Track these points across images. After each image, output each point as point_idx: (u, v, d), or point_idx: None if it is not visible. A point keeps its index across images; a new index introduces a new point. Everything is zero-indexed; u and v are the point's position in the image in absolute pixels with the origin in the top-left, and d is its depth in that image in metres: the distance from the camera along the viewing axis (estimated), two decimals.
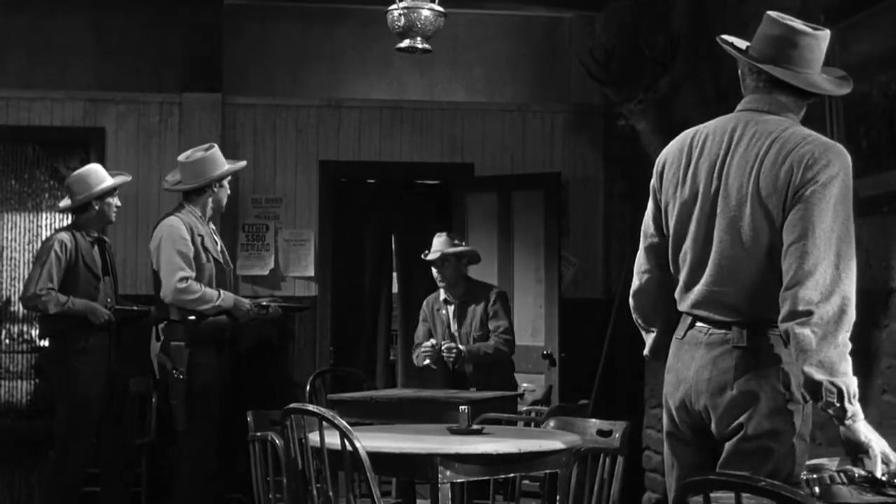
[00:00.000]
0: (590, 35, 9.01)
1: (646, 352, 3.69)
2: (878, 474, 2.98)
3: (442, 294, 7.46)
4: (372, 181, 9.62)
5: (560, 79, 9.32)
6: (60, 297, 6.69)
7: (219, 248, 6.78)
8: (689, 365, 3.36)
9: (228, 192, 6.84)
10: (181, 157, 6.80)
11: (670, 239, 3.46)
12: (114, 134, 8.42)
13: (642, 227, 3.59)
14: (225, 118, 8.49)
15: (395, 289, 10.09)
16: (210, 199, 6.71)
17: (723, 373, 3.28)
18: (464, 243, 7.56)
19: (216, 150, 6.77)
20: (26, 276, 7.10)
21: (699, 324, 3.37)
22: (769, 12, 3.45)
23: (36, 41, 8.59)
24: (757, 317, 3.27)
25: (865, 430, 3.07)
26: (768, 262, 3.23)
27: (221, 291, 6.64)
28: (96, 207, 6.86)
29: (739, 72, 3.48)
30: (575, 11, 9.13)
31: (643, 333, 3.70)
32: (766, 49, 3.36)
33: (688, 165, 3.39)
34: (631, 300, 3.67)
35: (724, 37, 3.50)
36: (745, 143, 3.28)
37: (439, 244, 7.32)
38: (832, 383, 3.02)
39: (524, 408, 7.07)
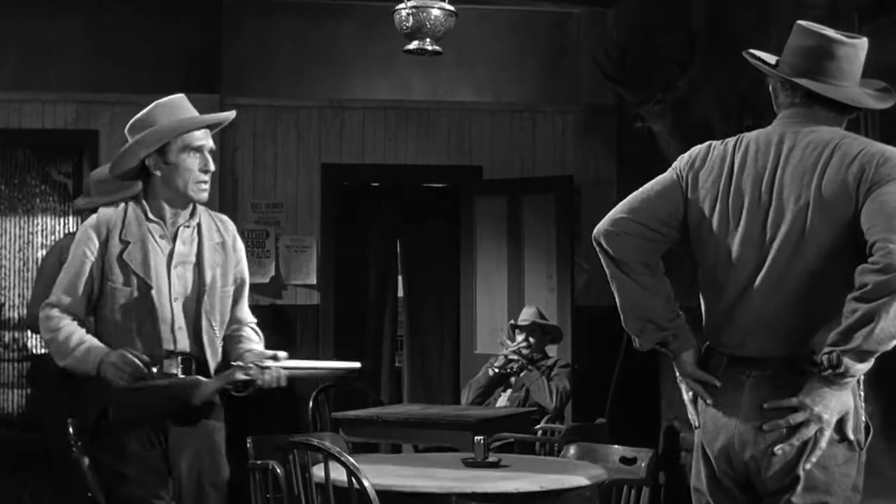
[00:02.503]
0: (600, 32, 8.83)
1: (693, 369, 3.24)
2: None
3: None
4: (376, 185, 9.38)
5: (568, 77, 9.17)
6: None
7: (173, 261, 4.01)
8: (732, 410, 3.06)
9: (198, 166, 3.97)
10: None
11: (701, 261, 3.19)
12: (108, 137, 8.14)
13: (643, 216, 3.19)
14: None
15: (399, 293, 9.85)
16: (156, 185, 4.00)
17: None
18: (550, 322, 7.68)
19: (160, 104, 4.04)
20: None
21: (739, 363, 3.08)
22: (800, 22, 3.22)
23: (28, 41, 8.39)
24: (809, 351, 2.99)
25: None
26: (829, 278, 2.98)
27: (87, 341, 3.96)
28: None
29: (771, 88, 3.25)
30: (584, 7, 8.96)
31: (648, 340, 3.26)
32: (800, 62, 3.14)
33: (729, 177, 3.13)
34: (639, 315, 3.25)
35: (752, 51, 3.27)
36: (798, 154, 3.05)
37: (530, 314, 7.41)
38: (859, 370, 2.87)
39: (539, 425, 6.82)
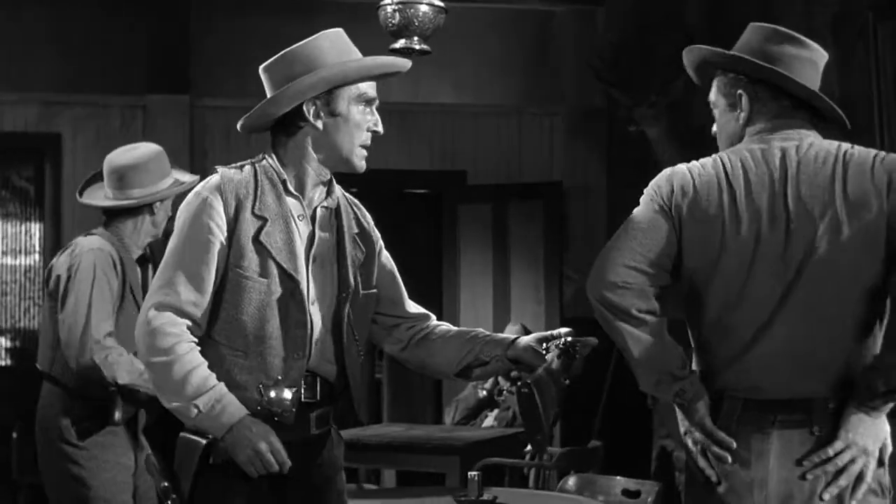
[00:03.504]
0: (586, 30, 8.62)
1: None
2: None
3: None
4: (354, 190, 8.80)
5: (554, 78, 8.99)
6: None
7: (313, 249, 3.11)
8: (760, 464, 2.72)
9: (370, 124, 3.10)
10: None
11: (706, 302, 2.81)
12: (71, 140, 7.99)
13: (641, 261, 2.81)
14: (193, 122, 8.07)
15: None
16: (303, 144, 3.03)
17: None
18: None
19: (324, 37, 3.19)
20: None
21: (759, 407, 2.74)
22: (764, 25, 2.96)
23: None
24: (844, 383, 2.70)
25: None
26: (863, 297, 2.72)
27: (216, 386, 3.02)
28: (155, 213, 4.48)
29: (739, 95, 2.88)
30: (571, 5, 8.74)
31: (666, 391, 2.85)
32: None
33: (733, 205, 2.77)
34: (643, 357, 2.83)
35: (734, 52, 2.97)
36: (808, 169, 2.76)
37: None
38: None
39: (528, 448, 6.50)
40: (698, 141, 7.23)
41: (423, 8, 4.58)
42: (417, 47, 4.65)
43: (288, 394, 2.83)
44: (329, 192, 2.99)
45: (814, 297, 2.69)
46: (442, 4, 4.63)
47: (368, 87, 2.98)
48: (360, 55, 3.01)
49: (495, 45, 8.97)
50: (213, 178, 2.93)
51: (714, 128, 2.97)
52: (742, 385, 2.74)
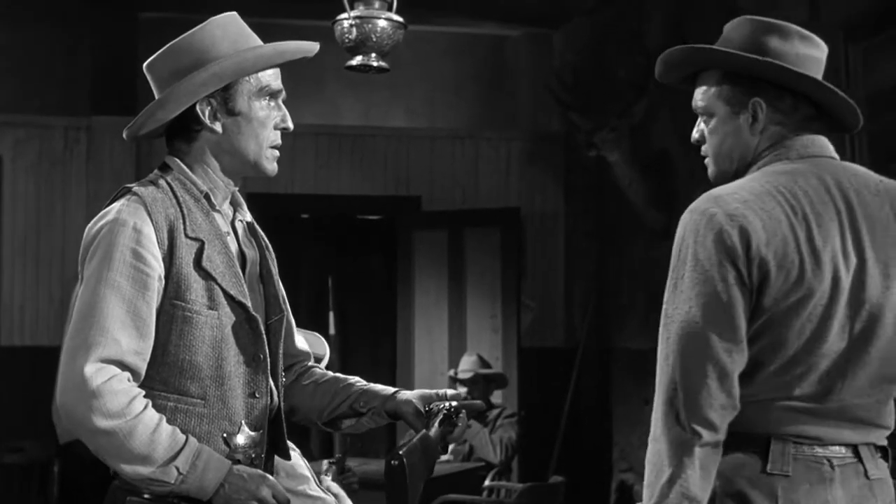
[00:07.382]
0: (542, 54, 8.53)
1: None
2: None
3: None
4: (306, 216, 9.01)
5: (508, 101, 8.93)
6: None
7: (247, 269, 2.60)
8: None
9: (276, 122, 2.60)
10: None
11: (778, 351, 2.42)
12: (11, 162, 7.84)
13: (721, 354, 2.37)
14: (140, 145, 7.78)
15: (331, 331, 9.37)
16: (202, 150, 2.56)
17: None
18: (493, 369, 7.27)
19: (216, 23, 2.64)
20: None
21: (856, 455, 2.45)
22: (756, 18, 2.52)
23: None
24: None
25: None
26: None
27: (191, 443, 2.41)
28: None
29: (755, 106, 2.46)
30: (527, 29, 8.66)
31: None
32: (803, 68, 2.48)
33: (809, 242, 2.38)
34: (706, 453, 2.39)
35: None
36: (867, 199, 2.43)
37: (470, 364, 7.02)
38: None
39: (487, 482, 6.30)
40: (659, 164, 7.13)
41: (382, 23, 4.35)
42: (375, 64, 4.41)
43: (257, 437, 2.50)
44: (237, 204, 2.60)
45: (884, 349, 2.42)
46: (401, 19, 4.41)
47: (271, 79, 2.57)
48: (258, 41, 2.60)
49: (449, 68, 8.90)
50: (133, 200, 2.44)
51: (698, 135, 2.56)
52: (803, 434, 2.42)
